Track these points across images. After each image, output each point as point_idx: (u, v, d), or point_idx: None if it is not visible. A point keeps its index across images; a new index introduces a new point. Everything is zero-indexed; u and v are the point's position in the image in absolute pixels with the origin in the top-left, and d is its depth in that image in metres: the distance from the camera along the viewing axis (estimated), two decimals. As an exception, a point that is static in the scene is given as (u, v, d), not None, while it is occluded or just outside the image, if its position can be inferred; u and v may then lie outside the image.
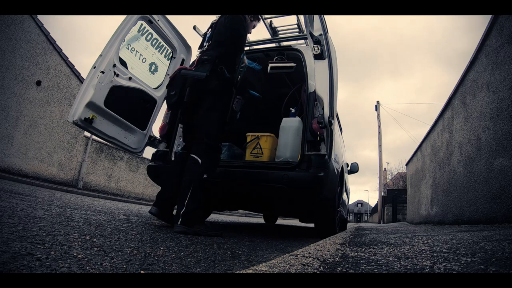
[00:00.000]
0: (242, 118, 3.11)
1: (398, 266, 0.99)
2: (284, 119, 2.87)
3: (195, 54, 2.63)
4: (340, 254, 1.27)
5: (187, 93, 2.03)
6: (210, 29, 2.36)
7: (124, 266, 0.91)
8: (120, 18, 2.47)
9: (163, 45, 2.91)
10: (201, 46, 2.36)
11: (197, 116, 2.10)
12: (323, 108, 2.22)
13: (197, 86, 2.03)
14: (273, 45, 3.22)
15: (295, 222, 10.26)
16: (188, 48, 3.14)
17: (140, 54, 2.73)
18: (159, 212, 2.12)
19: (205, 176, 1.95)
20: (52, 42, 7.64)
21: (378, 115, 17.17)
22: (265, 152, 2.87)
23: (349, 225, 9.99)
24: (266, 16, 3.01)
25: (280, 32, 3.29)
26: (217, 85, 2.03)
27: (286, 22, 3.25)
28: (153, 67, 2.88)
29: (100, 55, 2.35)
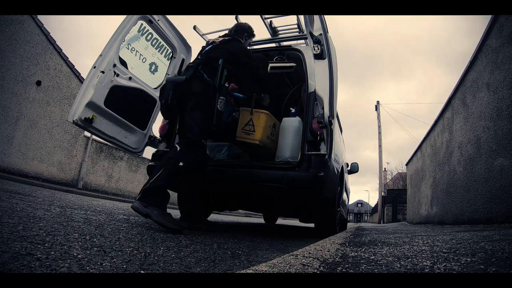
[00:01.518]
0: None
1: (398, 266, 0.99)
2: (284, 119, 2.87)
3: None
4: (340, 254, 1.27)
5: (170, 96, 2.13)
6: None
7: (124, 266, 0.91)
8: (122, 19, 2.48)
9: (163, 45, 2.91)
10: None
11: (184, 117, 2.22)
12: (323, 108, 2.22)
13: (180, 89, 2.15)
14: (273, 45, 3.22)
15: (295, 222, 10.25)
16: (188, 48, 3.14)
17: (140, 54, 2.73)
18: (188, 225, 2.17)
19: (181, 164, 1.98)
20: (52, 42, 7.63)
21: (378, 115, 17.18)
22: (258, 130, 2.73)
23: (349, 225, 9.99)
24: (266, 16, 3.01)
25: (280, 32, 3.28)
26: (199, 87, 2.15)
27: (286, 22, 3.25)
28: (153, 67, 2.88)
29: (100, 55, 2.35)
